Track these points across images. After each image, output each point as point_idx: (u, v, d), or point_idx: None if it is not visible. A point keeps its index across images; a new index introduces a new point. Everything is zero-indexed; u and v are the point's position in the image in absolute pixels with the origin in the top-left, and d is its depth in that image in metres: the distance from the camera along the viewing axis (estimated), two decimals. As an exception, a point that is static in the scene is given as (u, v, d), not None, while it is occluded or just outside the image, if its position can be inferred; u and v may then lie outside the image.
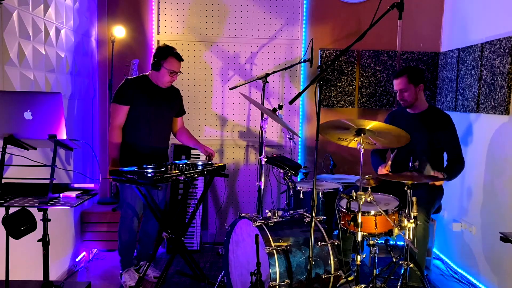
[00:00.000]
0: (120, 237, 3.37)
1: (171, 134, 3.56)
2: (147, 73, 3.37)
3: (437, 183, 3.17)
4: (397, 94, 3.33)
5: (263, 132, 3.29)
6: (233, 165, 4.37)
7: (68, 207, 2.24)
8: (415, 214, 2.63)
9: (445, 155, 3.36)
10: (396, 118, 3.44)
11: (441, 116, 3.28)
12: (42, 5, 3.07)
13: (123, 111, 3.23)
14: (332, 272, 2.75)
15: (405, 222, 2.62)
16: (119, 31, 4.05)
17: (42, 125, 2.22)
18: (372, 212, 2.65)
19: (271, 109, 3.19)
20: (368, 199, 2.55)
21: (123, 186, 3.26)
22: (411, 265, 2.80)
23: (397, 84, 3.30)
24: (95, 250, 3.98)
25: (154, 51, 3.34)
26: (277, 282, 2.59)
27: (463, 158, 3.25)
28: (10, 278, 2.24)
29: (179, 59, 3.28)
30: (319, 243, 2.75)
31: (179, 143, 4.26)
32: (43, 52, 3.10)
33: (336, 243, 2.80)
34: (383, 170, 3.24)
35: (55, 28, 3.27)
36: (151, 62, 3.27)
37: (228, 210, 4.42)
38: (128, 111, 3.25)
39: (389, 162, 3.19)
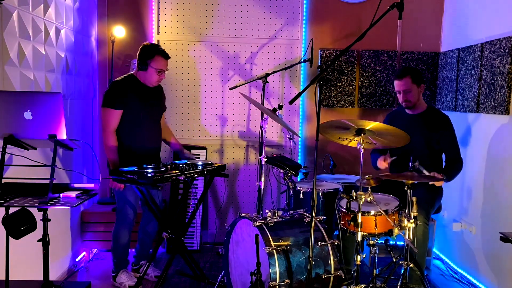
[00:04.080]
0: (119, 239, 3.34)
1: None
2: (132, 73, 3.30)
3: (437, 183, 3.15)
4: (400, 95, 3.27)
5: (263, 132, 3.29)
6: (233, 165, 4.37)
7: (68, 207, 2.24)
8: (415, 214, 2.63)
9: (443, 156, 3.36)
10: (395, 119, 3.43)
11: (440, 117, 3.28)
12: (42, 5, 3.07)
13: (116, 115, 3.16)
14: (332, 272, 2.75)
15: (405, 222, 2.62)
16: (119, 31, 4.04)
17: (42, 125, 2.22)
18: (372, 212, 2.65)
19: (271, 109, 3.19)
20: (368, 199, 2.55)
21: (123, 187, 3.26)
22: (411, 265, 2.80)
23: (400, 85, 3.24)
24: (95, 250, 3.98)
25: (139, 50, 3.22)
26: (277, 282, 2.59)
27: (462, 158, 3.25)
28: (10, 278, 2.24)
29: (166, 57, 3.21)
30: (319, 243, 2.75)
31: (179, 143, 4.27)
32: (43, 52, 3.10)
33: (336, 243, 2.80)
34: (382, 163, 3.26)
35: (55, 28, 3.27)
36: (137, 62, 3.21)
37: (228, 210, 4.42)
38: (122, 114, 3.20)
39: (388, 155, 3.23)
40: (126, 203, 3.32)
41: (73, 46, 3.61)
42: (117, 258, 3.39)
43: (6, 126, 2.23)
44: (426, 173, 2.96)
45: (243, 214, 2.87)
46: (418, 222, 2.88)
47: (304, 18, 4.25)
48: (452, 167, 3.21)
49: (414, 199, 2.63)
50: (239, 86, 3.92)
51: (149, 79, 3.23)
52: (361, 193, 2.55)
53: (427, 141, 3.26)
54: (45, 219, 2.28)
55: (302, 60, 3.98)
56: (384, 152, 3.50)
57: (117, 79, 3.26)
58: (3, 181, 2.21)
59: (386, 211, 2.62)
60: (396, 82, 3.28)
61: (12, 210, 2.17)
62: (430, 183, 3.14)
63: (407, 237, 2.63)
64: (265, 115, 3.26)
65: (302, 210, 3.03)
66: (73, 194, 2.35)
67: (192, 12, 4.22)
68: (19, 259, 2.71)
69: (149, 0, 4.18)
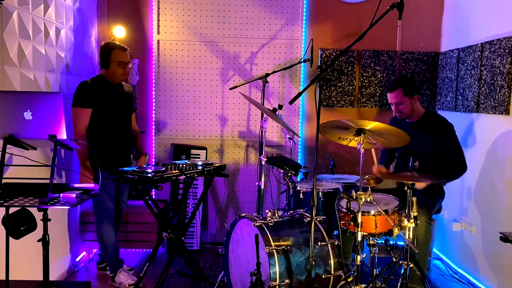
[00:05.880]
0: (104, 236, 3.32)
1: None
2: (100, 73, 3.34)
3: (419, 185, 3.03)
4: (393, 107, 3.29)
5: (263, 132, 3.29)
6: (233, 165, 4.37)
7: (68, 207, 2.24)
8: (415, 214, 2.63)
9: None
10: (397, 124, 3.42)
11: (438, 121, 3.25)
12: (42, 5, 3.07)
13: (86, 114, 3.19)
14: (332, 272, 2.75)
15: (405, 222, 2.63)
16: (119, 31, 4.05)
17: (42, 125, 2.22)
18: (372, 212, 2.65)
19: (271, 109, 3.19)
20: (368, 199, 2.55)
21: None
22: (411, 265, 2.80)
23: (392, 97, 3.25)
24: (95, 250, 3.97)
25: (99, 52, 3.33)
26: (277, 282, 2.59)
27: (464, 161, 3.17)
28: (10, 278, 2.24)
29: (123, 49, 3.30)
30: (319, 243, 2.75)
31: (179, 143, 4.28)
32: (43, 52, 3.10)
33: (336, 243, 2.80)
34: (375, 171, 3.25)
35: (55, 28, 3.27)
36: (99, 62, 3.30)
37: (228, 210, 4.42)
38: (91, 113, 3.22)
39: (376, 164, 3.21)
40: (102, 196, 3.28)
41: (73, 46, 3.61)
42: (109, 258, 3.38)
43: (6, 126, 2.23)
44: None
45: (243, 214, 2.87)
46: (420, 222, 2.88)
47: (304, 18, 4.25)
48: (447, 170, 3.15)
49: (414, 199, 2.63)
50: (239, 86, 3.92)
51: (115, 74, 3.28)
52: (361, 193, 2.55)
53: (426, 146, 3.24)
54: (45, 219, 2.28)
55: (302, 60, 3.98)
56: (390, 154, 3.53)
57: (86, 80, 3.29)
58: (3, 181, 2.21)
59: (386, 211, 2.62)
60: (388, 95, 3.30)
61: (12, 210, 2.17)
62: (418, 185, 3.07)
63: (407, 237, 2.63)
64: (265, 115, 3.26)
65: (302, 210, 3.03)
66: (73, 194, 2.35)
67: (192, 12, 4.22)
68: (19, 259, 2.71)
69: (149, 0, 4.18)
